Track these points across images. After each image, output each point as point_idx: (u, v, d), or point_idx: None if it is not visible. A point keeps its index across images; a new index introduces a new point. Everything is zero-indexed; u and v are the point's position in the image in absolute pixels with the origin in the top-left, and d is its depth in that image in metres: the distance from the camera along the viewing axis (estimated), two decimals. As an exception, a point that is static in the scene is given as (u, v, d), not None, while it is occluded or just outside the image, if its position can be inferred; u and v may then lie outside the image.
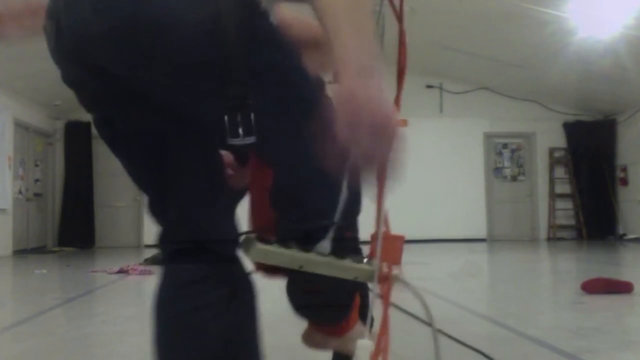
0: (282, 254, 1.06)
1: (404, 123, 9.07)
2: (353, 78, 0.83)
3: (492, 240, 12.03)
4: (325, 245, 1.08)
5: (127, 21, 0.97)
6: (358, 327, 1.35)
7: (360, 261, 1.10)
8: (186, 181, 1.09)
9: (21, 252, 9.86)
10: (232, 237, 1.10)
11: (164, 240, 1.12)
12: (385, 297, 1.10)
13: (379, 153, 0.86)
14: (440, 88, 11.94)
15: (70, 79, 1.11)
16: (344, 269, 1.08)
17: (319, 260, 1.07)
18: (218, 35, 0.96)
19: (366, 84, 0.83)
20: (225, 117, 0.98)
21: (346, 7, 0.85)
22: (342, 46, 0.84)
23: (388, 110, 0.84)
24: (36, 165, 11.05)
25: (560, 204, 12.34)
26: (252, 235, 1.11)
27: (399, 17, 1.12)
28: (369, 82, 0.83)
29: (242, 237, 1.11)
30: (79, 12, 1.02)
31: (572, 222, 12.31)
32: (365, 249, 1.18)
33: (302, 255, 1.06)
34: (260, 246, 1.05)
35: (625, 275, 5.30)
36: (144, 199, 1.18)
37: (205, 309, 1.04)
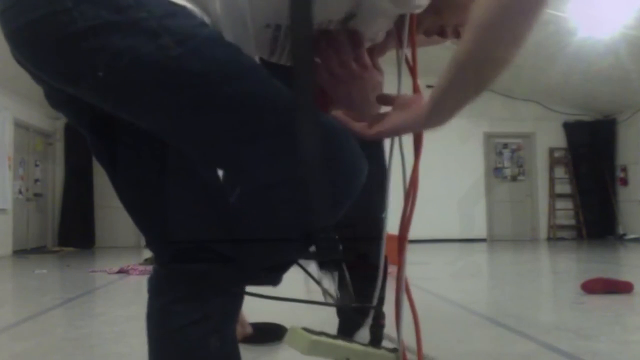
0: (333, 344, 0.98)
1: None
2: None
3: (492, 240, 12.02)
4: (365, 333, 1.04)
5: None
6: None
7: (392, 351, 1.04)
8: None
9: (21, 252, 9.85)
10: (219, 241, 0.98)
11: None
12: None
13: None
14: (440, 88, 11.91)
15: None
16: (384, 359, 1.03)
17: (366, 351, 1.01)
18: None
19: None
20: None
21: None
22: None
23: None
24: (36, 165, 11.04)
25: (560, 204, 12.33)
26: (298, 326, 1.00)
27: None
28: None
29: (289, 329, 1.00)
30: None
31: (572, 222, 12.31)
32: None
33: (351, 347, 1.00)
34: (314, 337, 0.95)
35: (625, 275, 5.30)
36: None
37: (193, 328, 0.96)
